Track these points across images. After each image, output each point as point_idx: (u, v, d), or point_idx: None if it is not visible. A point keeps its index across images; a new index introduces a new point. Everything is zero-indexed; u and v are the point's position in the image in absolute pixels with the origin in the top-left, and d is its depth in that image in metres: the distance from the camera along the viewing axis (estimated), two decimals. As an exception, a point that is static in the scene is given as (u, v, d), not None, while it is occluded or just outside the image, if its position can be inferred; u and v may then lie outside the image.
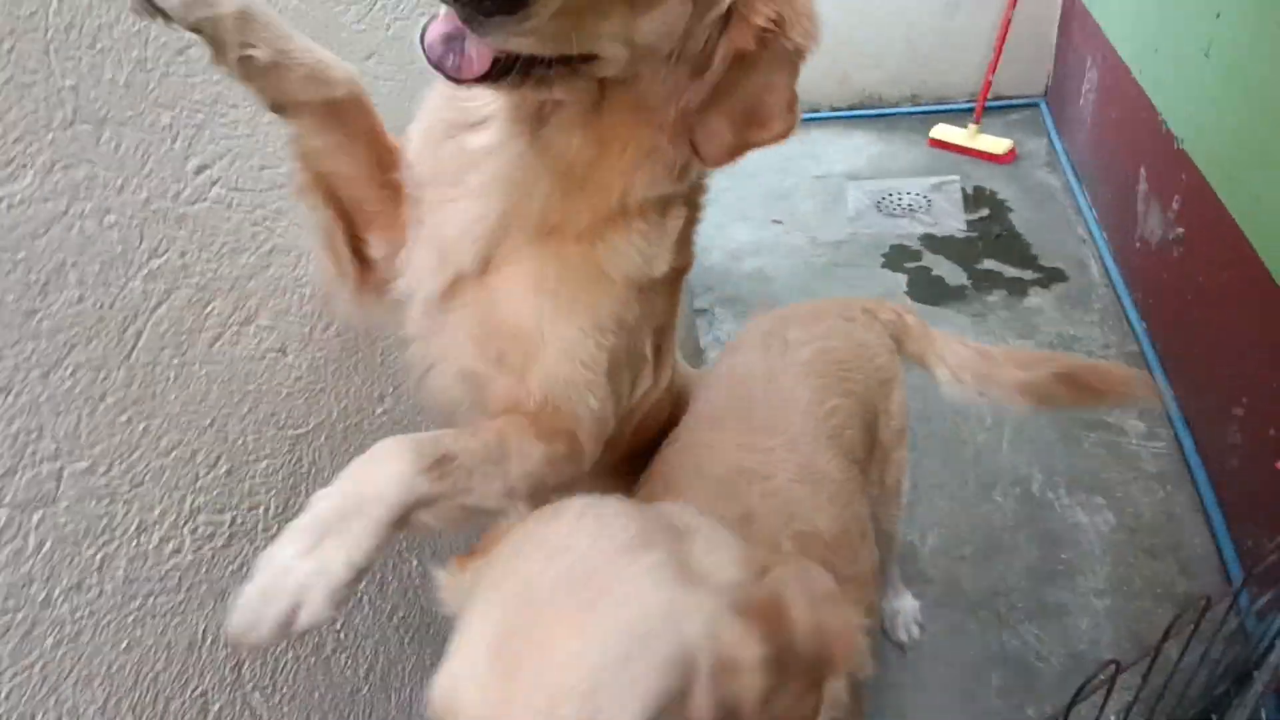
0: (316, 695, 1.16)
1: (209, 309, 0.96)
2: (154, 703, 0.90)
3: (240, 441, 1.02)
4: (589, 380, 0.89)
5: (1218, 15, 2.12)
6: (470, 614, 0.69)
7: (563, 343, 0.87)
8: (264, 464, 1.05)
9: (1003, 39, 3.72)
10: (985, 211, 3.44)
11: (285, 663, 1.10)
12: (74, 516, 0.80)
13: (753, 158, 0.85)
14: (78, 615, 0.81)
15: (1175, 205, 2.38)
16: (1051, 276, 3.03)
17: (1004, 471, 2.31)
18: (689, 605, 0.67)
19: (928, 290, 3.04)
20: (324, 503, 0.71)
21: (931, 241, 3.29)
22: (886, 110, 4.20)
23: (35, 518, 0.76)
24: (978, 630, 1.95)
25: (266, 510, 1.06)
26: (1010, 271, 3.09)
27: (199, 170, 0.94)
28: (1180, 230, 2.35)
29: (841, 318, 1.52)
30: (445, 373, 0.96)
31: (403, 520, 0.73)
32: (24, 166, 0.74)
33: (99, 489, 0.83)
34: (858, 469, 1.37)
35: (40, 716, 0.77)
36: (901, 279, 3.12)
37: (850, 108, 4.25)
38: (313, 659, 1.15)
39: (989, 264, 3.14)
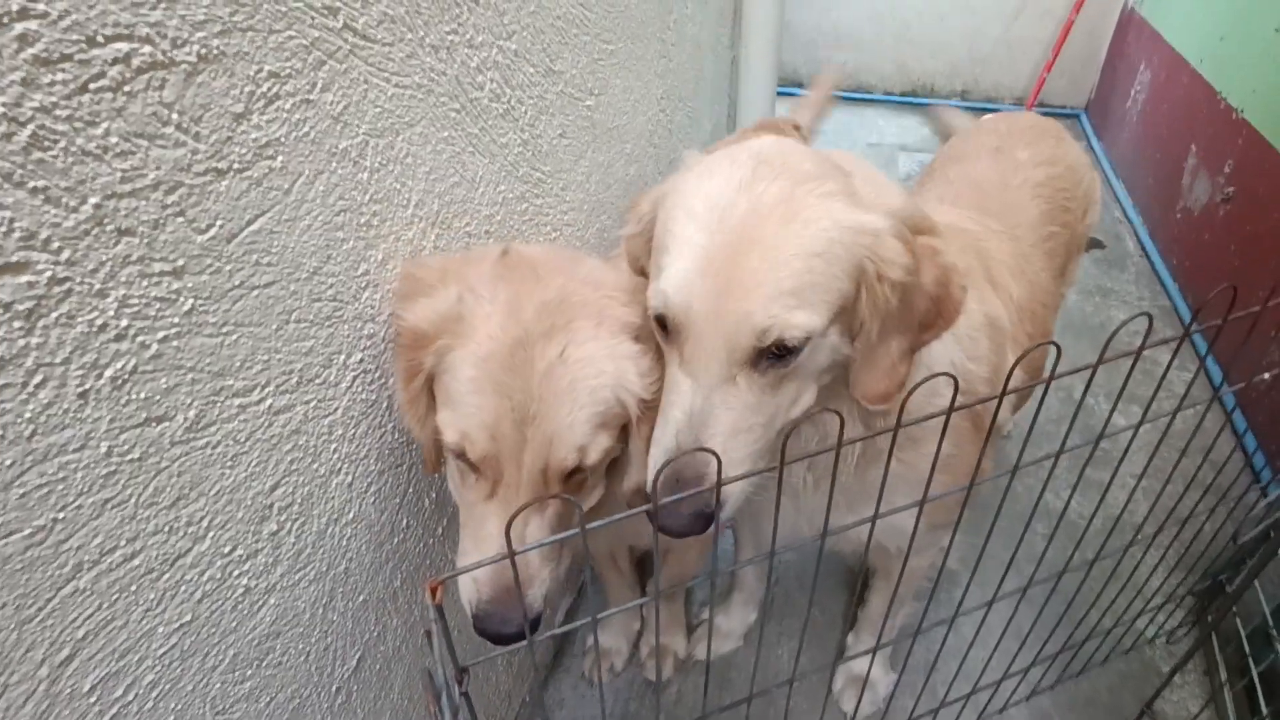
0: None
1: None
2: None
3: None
4: None
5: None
6: (670, 237, 0.81)
7: None
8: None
9: (1062, 41, 3.99)
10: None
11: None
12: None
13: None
14: None
15: (1227, 169, 2.60)
16: (1090, 245, 3.23)
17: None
18: (865, 223, 0.78)
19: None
20: None
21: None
22: (937, 100, 4.44)
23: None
24: (1024, 491, 2.07)
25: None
26: (1051, 237, 3.29)
27: None
28: (1231, 189, 2.56)
29: (1055, 137, 1.71)
30: None
31: None
32: None
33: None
34: (1055, 285, 1.53)
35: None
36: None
37: (903, 94, 4.48)
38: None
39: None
